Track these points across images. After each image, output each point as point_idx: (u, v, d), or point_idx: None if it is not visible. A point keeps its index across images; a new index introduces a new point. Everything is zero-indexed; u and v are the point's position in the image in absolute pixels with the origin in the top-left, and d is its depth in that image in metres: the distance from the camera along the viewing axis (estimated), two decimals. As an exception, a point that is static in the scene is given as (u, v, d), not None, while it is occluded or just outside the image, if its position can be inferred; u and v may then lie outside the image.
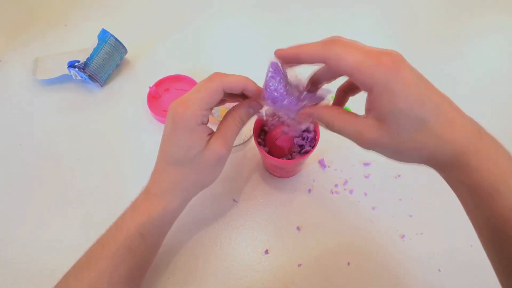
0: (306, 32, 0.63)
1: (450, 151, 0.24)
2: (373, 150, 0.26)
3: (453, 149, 0.24)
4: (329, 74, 0.29)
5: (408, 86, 0.23)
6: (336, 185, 0.45)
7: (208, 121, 0.32)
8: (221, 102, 0.35)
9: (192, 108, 0.29)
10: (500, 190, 0.23)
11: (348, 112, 0.27)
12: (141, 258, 0.32)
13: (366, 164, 0.47)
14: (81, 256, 0.32)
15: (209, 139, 0.31)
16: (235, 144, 0.46)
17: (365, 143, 0.26)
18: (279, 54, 0.27)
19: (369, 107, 0.25)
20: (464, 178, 0.24)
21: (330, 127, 0.28)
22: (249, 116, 0.33)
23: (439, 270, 0.39)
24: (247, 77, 0.31)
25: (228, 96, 0.34)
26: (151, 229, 0.32)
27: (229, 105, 0.48)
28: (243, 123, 0.33)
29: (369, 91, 0.24)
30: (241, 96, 0.34)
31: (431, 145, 0.24)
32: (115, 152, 0.48)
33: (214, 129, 0.33)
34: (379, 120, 0.24)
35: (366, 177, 0.46)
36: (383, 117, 0.24)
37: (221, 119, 0.48)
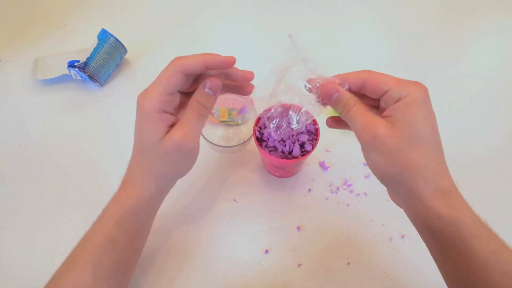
0: (308, 31, 0.63)
1: (433, 183, 0.26)
2: (371, 149, 0.27)
3: (438, 185, 0.26)
4: (358, 85, 0.29)
5: (429, 111, 0.26)
6: (336, 185, 0.45)
7: (174, 109, 0.31)
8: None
9: (150, 95, 0.29)
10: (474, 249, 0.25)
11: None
12: (123, 250, 0.32)
13: (366, 164, 0.47)
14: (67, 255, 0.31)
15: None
16: (235, 144, 0.46)
17: (372, 138, 0.27)
18: (323, 88, 0.30)
19: (388, 114, 0.27)
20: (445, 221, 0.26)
21: (345, 110, 0.28)
22: (209, 99, 0.30)
23: (439, 270, 0.39)
24: (207, 53, 0.29)
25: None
26: (128, 218, 0.31)
27: (229, 104, 0.48)
28: (205, 108, 0.30)
29: (398, 100, 0.26)
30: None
31: (419, 168, 0.26)
32: (115, 152, 0.48)
33: (217, 130, 0.32)
34: (393, 124, 0.26)
35: (366, 177, 0.46)
36: (400, 122, 0.26)
37: (221, 119, 0.49)
